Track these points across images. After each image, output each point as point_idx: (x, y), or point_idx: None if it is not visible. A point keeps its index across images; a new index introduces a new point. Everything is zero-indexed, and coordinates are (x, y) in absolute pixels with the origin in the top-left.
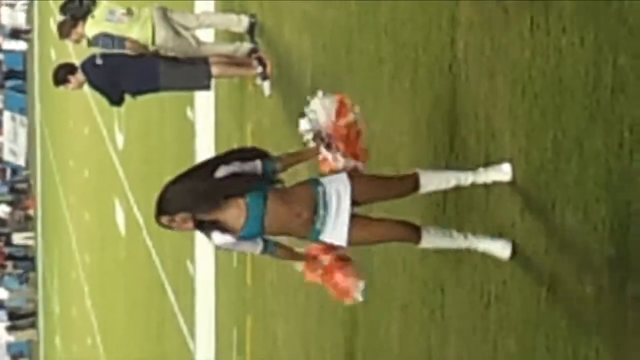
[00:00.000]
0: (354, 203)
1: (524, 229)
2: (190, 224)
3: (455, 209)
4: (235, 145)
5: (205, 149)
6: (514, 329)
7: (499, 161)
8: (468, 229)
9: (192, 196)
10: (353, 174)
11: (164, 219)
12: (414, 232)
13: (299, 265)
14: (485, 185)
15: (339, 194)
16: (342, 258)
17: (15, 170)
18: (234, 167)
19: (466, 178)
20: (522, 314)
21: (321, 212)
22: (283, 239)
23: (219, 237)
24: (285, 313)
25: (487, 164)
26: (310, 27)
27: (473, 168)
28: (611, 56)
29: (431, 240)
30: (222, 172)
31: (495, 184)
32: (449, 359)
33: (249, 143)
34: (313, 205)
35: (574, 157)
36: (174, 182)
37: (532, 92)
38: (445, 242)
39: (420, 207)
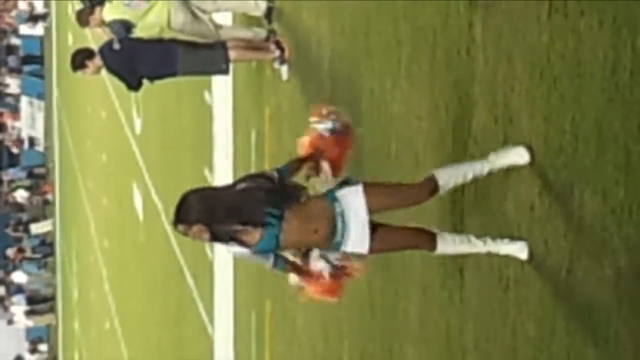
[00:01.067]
0: (370, 212)
1: (542, 211)
2: (206, 236)
3: (475, 193)
4: (253, 129)
5: (223, 133)
6: (533, 312)
7: (513, 145)
8: (484, 214)
9: (212, 210)
10: (367, 186)
11: (181, 227)
12: (430, 239)
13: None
14: (504, 169)
15: (355, 208)
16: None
17: (32, 140)
18: (255, 182)
19: (482, 167)
20: (541, 297)
21: (340, 225)
22: None
23: (235, 248)
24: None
25: (505, 144)
26: (328, 11)
27: (485, 156)
28: (630, 39)
29: (448, 246)
30: (242, 185)
31: (514, 167)
32: (468, 342)
33: (266, 127)
34: (330, 220)
35: (593, 140)
36: (195, 192)
37: (550, 75)
38: (462, 248)
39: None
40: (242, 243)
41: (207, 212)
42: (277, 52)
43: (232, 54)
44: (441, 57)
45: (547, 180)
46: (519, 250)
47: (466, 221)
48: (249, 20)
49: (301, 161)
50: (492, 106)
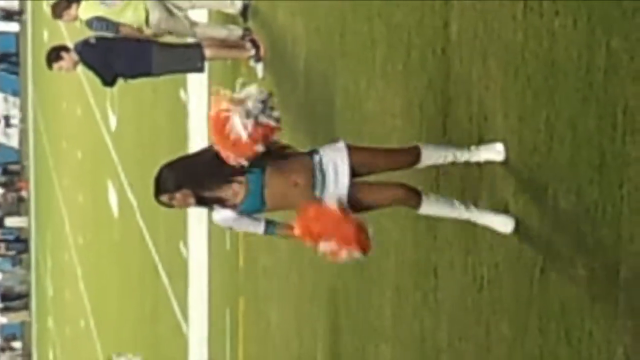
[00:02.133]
0: (353, 175)
1: (516, 211)
2: (191, 200)
3: (449, 190)
4: None
5: (198, 131)
6: (507, 311)
7: (492, 141)
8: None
9: (192, 173)
10: (351, 145)
11: (164, 197)
12: (415, 196)
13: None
14: (479, 166)
15: (335, 162)
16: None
17: (7, 118)
18: None
19: (462, 154)
20: (515, 297)
21: (319, 178)
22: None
23: (220, 213)
24: (278, 295)
25: (481, 142)
26: (303, 9)
27: (468, 146)
28: (604, 38)
29: (431, 206)
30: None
31: (488, 164)
32: (442, 341)
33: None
34: (309, 173)
35: (567, 139)
36: (170, 162)
37: (525, 74)
38: (445, 211)
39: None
40: (226, 204)
41: (187, 176)
42: (253, 50)
43: (208, 52)
44: (416, 56)
45: (522, 179)
46: (502, 224)
47: (439, 220)
48: (225, 18)
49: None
50: (466, 105)
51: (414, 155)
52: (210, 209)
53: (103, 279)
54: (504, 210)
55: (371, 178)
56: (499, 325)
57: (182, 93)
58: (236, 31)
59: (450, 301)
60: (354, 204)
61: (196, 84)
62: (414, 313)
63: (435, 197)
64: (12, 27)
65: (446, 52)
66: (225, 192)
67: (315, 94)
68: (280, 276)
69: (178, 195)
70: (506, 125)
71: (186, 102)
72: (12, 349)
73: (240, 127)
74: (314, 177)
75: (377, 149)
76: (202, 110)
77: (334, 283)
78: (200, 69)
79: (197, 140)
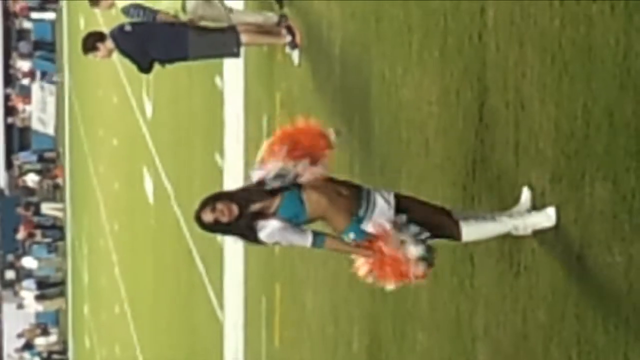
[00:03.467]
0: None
1: (553, 198)
2: (235, 208)
3: (485, 178)
4: (264, 114)
5: (234, 118)
6: (544, 298)
7: (542, 206)
8: (495, 200)
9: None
10: (399, 195)
11: (207, 209)
12: (454, 224)
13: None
14: (515, 154)
15: (383, 196)
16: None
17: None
18: None
19: (506, 228)
20: (552, 284)
21: (364, 202)
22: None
23: (266, 228)
24: (314, 281)
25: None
26: None
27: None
28: None
29: (473, 229)
30: None
31: (524, 152)
32: (478, 328)
33: (277, 112)
34: (355, 192)
35: (604, 126)
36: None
37: (561, 60)
38: (489, 227)
39: (450, 177)
40: (266, 213)
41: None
42: (289, 37)
43: (244, 38)
44: (452, 42)
45: (558, 166)
46: (547, 218)
47: (477, 206)
48: (261, 5)
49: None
50: (503, 91)
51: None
52: (251, 233)
53: (138, 265)
54: (540, 196)
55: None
56: (536, 312)
57: (217, 79)
58: (272, 18)
59: (486, 287)
60: None
61: (232, 71)
62: (451, 299)
63: (474, 220)
64: (48, 15)
65: (482, 39)
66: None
67: (351, 80)
68: (316, 262)
69: (220, 205)
70: (542, 111)
71: (222, 89)
72: (49, 333)
73: None
74: (359, 196)
75: (426, 206)
76: (238, 97)
77: None
78: (236, 54)
79: (233, 126)
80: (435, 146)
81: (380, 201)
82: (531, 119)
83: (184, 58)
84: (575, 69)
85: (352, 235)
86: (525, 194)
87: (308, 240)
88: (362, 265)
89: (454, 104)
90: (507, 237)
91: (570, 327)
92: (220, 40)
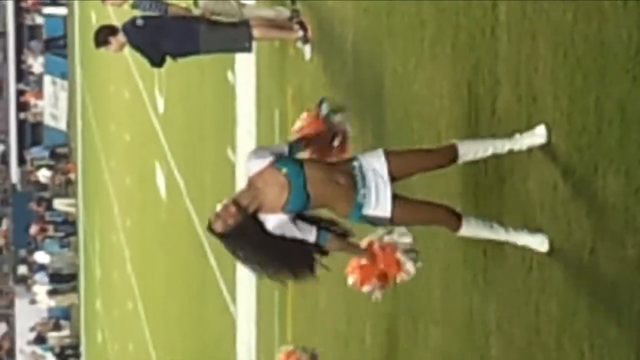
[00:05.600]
0: (393, 179)
1: (565, 191)
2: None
3: (497, 173)
4: (276, 109)
5: (246, 113)
6: (556, 292)
7: (535, 125)
8: (508, 194)
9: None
10: (389, 150)
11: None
12: (455, 219)
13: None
14: (528, 149)
15: (374, 169)
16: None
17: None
18: None
19: (503, 145)
20: (564, 278)
21: (360, 185)
22: None
23: (272, 220)
24: (326, 275)
25: (522, 130)
26: None
27: (510, 135)
28: None
29: (471, 229)
30: None
31: (537, 147)
32: (491, 322)
33: (289, 107)
34: (350, 176)
35: (616, 120)
36: None
37: (574, 55)
38: (484, 233)
39: (463, 173)
40: (272, 209)
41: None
42: (300, 32)
43: (256, 32)
44: (464, 37)
45: (571, 160)
46: (538, 243)
47: (489, 199)
48: (273, 0)
49: (309, 139)
50: (515, 86)
51: (451, 153)
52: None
53: (151, 260)
54: (553, 190)
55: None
56: (549, 306)
57: (229, 75)
58: (284, 13)
59: (499, 282)
60: (393, 219)
61: (244, 66)
62: (463, 294)
63: (475, 220)
64: (60, 10)
65: (495, 33)
66: (266, 192)
67: (364, 74)
68: (329, 256)
69: (221, 209)
70: (555, 106)
71: (234, 84)
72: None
73: None
74: (354, 180)
75: (414, 151)
76: (250, 92)
77: None
78: (248, 49)
79: (245, 122)
80: (447, 140)
81: (372, 179)
82: (543, 113)
83: (196, 52)
84: (588, 64)
85: (355, 221)
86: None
87: (312, 236)
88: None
89: (465, 98)
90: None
91: (583, 321)
92: (233, 35)
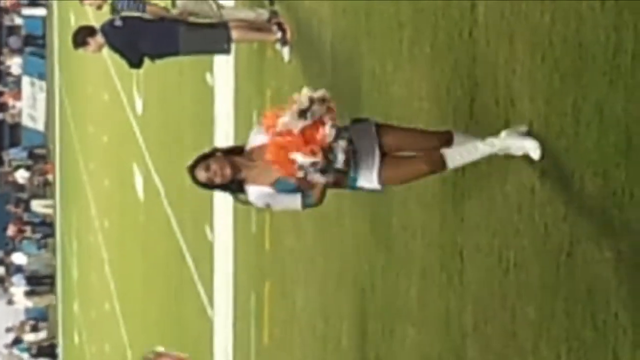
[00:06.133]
0: (381, 151)
1: (543, 194)
2: (228, 171)
3: (476, 174)
4: (255, 110)
5: (224, 115)
6: (533, 295)
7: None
8: (485, 197)
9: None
10: (381, 124)
11: (201, 167)
12: (440, 161)
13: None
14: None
15: (366, 146)
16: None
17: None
18: None
19: (492, 150)
20: (541, 280)
21: (351, 162)
22: None
23: (255, 191)
24: (303, 279)
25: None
26: None
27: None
28: (632, 21)
29: (458, 158)
30: None
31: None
32: (467, 324)
33: (268, 108)
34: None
35: (594, 123)
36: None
37: (552, 57)
38: (475, 154)
39: (441, 176)
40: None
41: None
42: (279, 34)
43: (234, 34)
44: (443, 38)
45: (548, 162)
46: (532, 148)
47: (466, 202)
48: (251, 1)
49: None
50: (493, 88)
51: (445, 136)
52: (240, 191)
53: (128, 262)
54: (530, 192)
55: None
56: (525, 308)
57: (208, 76)
58: (263, 14)
59: (476, 284)
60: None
61: (222, 67)
62: (440, 295)
63: (458, 151)
64: (39, 11)
65: (473, 35)
66: (262, 169)
67: (342, 76)
68: (306, 259)
69: (214, 166)
70: (533, 108)
71: (212, 86)
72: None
73: None
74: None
75: (407, 129)
76: (229, 93)
77: (360, 265)
78: (226, 51)
79: (223, 123)
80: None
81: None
82: (521, 116)
83: (175, 53)
84: (566, 66)
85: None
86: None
87: (297, 202)
88: None
89: (444, 100)
90: (496, 235)
91: (560, 324)
92: (211, 36)
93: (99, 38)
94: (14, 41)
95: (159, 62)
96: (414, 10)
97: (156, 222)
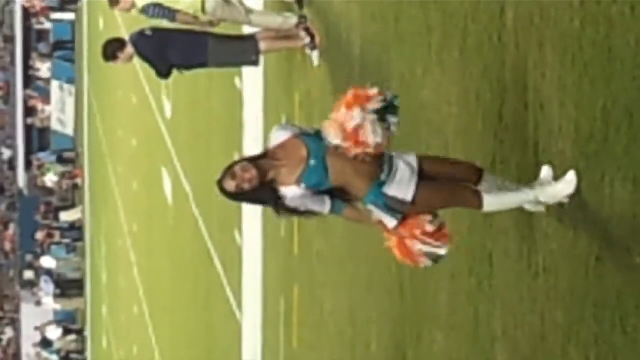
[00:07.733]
0: (421, 174)
1: (573, 199)
2: (254, 173)
3: (504, 178)
4: (283, 115)
5: (253, 119)
6: (562, 299)
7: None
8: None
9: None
10: (421, 155)
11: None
12: (476, 196)
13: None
14: (535, 154)
15: (405, 160)
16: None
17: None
18: None
19: (528, 195)
20: (570, 285)
21: (386, 165)
22: None
23: (290, 192)
24: (332, 283)
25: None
26: None
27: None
28: None
29: (494, 202)
30: None
31: (545, 151)
32: (496, 329)
33: (297, 113)
34: (377, 158)
35: (624, 127)
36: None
37: (581, 61)
38: (510, 200)
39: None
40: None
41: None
42: (307, 39)
43: (263, 45)
44: (472, 43)
45: (578, 167)
46: (568, 183)
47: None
48: (280, 6)
49: None
50: (522, 92)
51: (478, 173)
52: (277, 198)
53: (157, 266)
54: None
55: None
56: (554, 313)
57: (237, 81)
58: (291, 19)
59: (505, 289)
60: (414, 202)
61: (251, 72)
62: (469, 300)
63: (495, 191)
64: (68, 15)
65: (502, 39)
66: (287, 164)
67: (371, 81)
68: (335, 263)
69: (239, 170)
70: (562, 113)
71: (241, 90)
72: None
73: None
74: (381, 161)
75: (445, 158)
76: (258, 98)
77: (389, 269)
78: (255, 63)
79: (252, 128)
80: (455, 147)
81: (402, 165)
82: (551, 120)
83: (203, 65)
84: (595, 70)
85: (371, 202)
86: (546, 170)
87: (327, 207)
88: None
89: (473, 104)
90: (525, 239)
91: (589, 328)
92: (240, 49)
93: (129, 49)
94: (43, 46)
95: (186, 73)
96: (443, 15)
97: (185, 226)
